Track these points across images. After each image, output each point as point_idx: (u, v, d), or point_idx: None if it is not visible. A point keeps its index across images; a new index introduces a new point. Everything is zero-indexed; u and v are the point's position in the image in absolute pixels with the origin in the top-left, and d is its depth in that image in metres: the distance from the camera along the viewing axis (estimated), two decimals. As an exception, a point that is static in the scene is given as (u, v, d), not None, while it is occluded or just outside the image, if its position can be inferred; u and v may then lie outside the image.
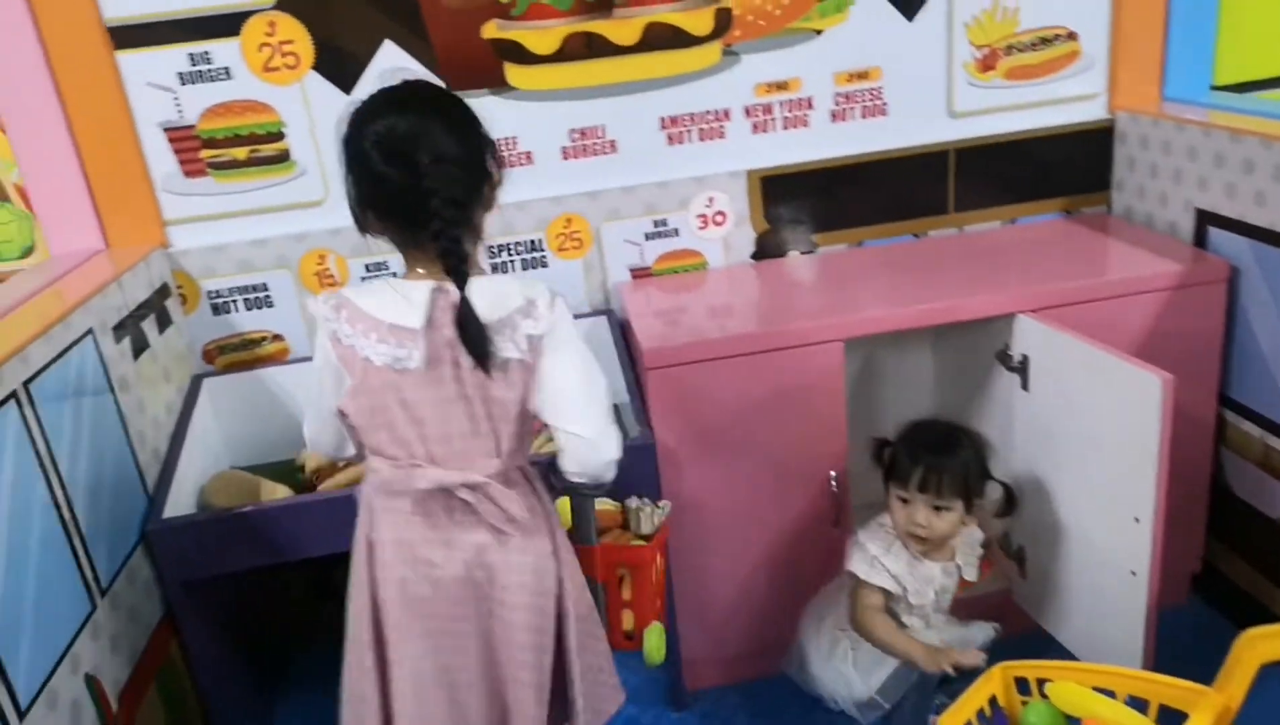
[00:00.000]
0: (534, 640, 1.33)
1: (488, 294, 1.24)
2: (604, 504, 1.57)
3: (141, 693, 1.60)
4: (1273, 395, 1.85)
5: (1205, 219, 1.95)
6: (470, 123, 1.25)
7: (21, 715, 1.28)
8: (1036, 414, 1.85)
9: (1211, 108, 2.05)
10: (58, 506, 1.44)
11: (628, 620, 1.53)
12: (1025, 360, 1.84)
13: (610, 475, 1.35)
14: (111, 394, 1.68)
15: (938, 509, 1.68)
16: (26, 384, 1.41)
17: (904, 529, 1.71)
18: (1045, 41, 2.15)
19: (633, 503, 1.57)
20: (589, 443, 1.31)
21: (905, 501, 1.69)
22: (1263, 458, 1.90)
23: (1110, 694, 1.46)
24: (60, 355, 1.52)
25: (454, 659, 1.33)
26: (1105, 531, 1.71)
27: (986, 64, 2.15)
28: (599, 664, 1.43)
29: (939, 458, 1.68)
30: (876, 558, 1.70)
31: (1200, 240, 1.98)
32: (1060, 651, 1.85)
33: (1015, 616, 1.93)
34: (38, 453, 1.40)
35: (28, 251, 2.01)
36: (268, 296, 2.08)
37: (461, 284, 1.21)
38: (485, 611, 1.33)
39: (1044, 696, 1.51)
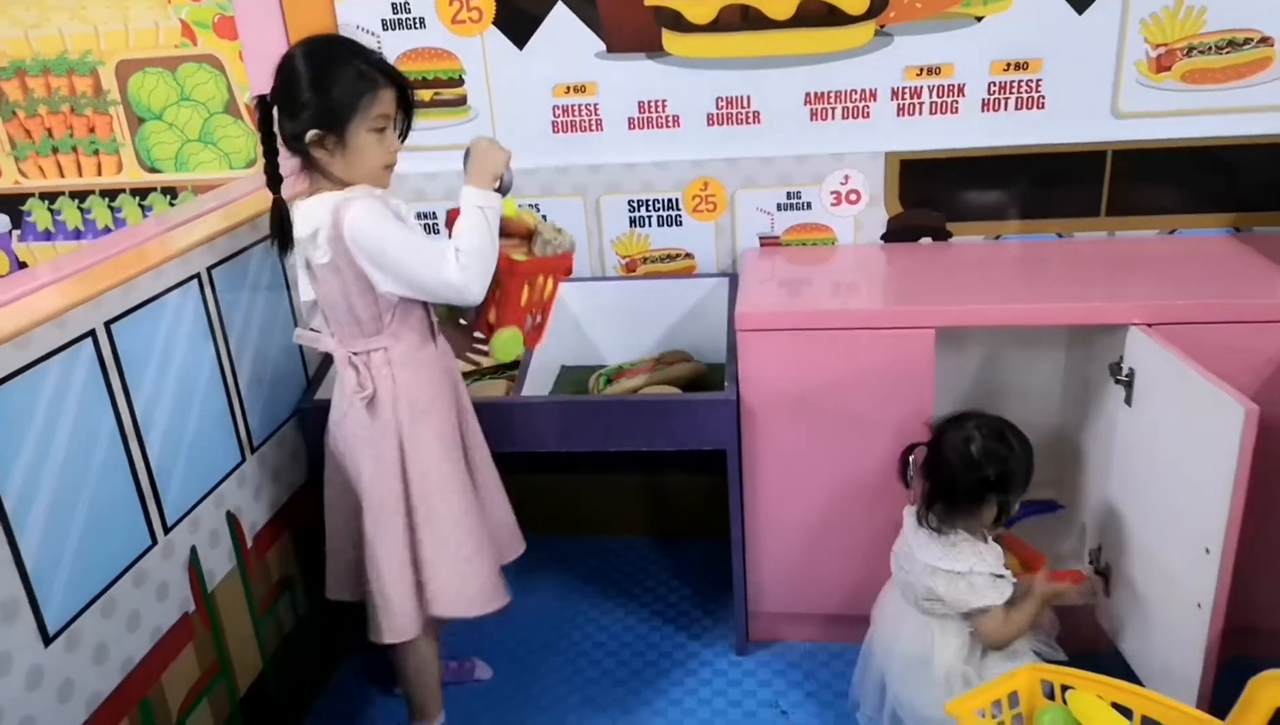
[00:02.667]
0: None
1: (300, 210, 1.58)
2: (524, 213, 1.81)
3: (275, 538, 1.93)
4: None
5: (1378, 252, 1.79)
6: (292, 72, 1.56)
7: (167, 529, 1.61)
8: (1136, 431, 1.79)
9: None
10: (223, 371, 1.77)
11: (493, 315, 1.73)
12: (1131, 374, 1.78)
13: (462, 293, 1.59)
14: (286, 290, 2.00)
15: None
16: (210, 269, 1.73)
17: (994, 532, 1.71)
18: (1234, 45, 2.01)
19: (542, 225, 1.78)
20: (441, 288, 1.58)
21: (1007, 510, 1.69)
22: (1396, 518, 1.74)
23: (1128, 713, 1.45)
24: (244, 250, 1.84)
25: None
26: (1178, 559, 1.65)
27: (1162, 64, 2.04)
28: None
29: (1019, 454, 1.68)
30: (996, 574, 1.67)
31: (1370, 274, 1.81)
32: (1128, 673, 1.81)
33: (1097, 633, 1.89)
34: (211, 325, 1.73)
35: (250, 163, 2.39)
36: (435, 224, 2.35)
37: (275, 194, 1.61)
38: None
39: (1064, 703, 1.52)
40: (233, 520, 1.79)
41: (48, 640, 1.35)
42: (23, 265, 2.52)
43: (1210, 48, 2.02)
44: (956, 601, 1.65)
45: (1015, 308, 1.86)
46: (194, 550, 1.68)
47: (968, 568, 1.65)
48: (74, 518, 1.41)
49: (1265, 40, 2.00)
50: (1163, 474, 1.69)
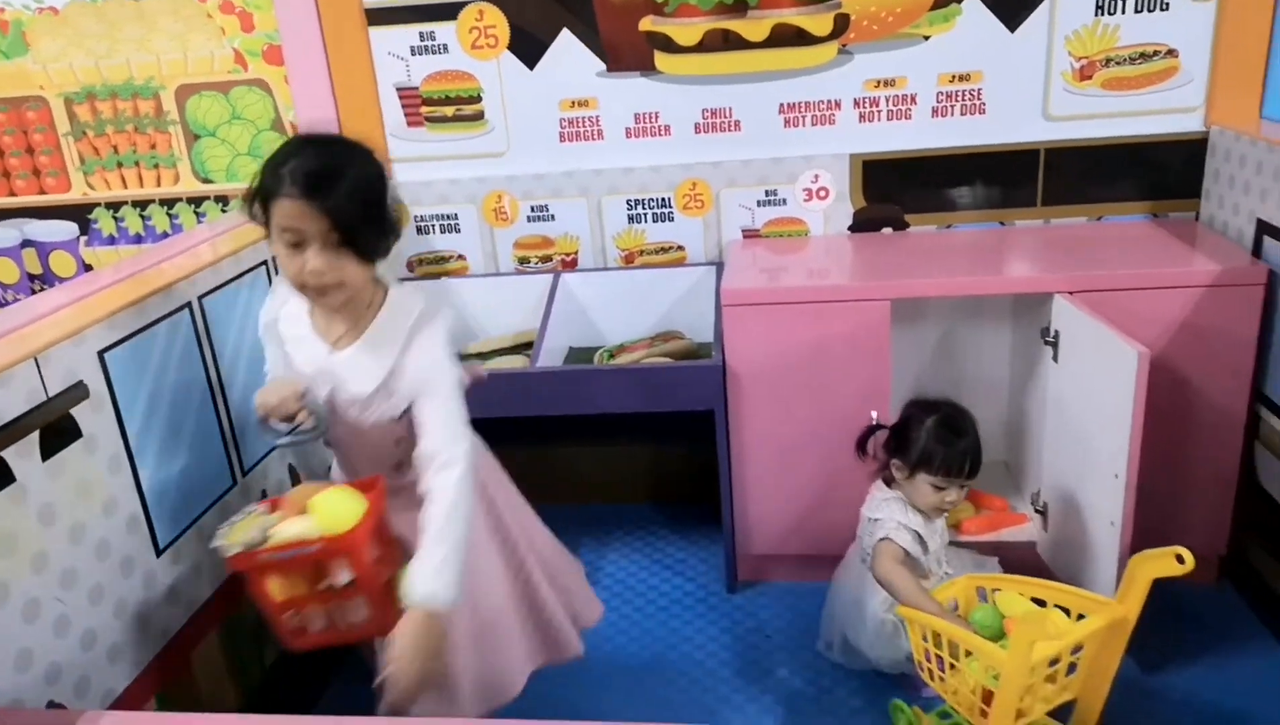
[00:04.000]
0: None
1: None
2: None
3: (327, 491, 2.23)
4: (1293, 393, 2.01)
5: (1263, 228, 2.11)
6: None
7: (245, 473, 1.92)
8: (1062, 384, 2.11)
9: None
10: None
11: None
12: (1057, 335, 2.10)
13: None
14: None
15: (963, 487, 1.97)
16: (275, 258, 2.05)
17: (934, 507, 1.96)
18: (1145, 56, 2.34)
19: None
20: None
21: (940, 488, 1.93)
22: (1278, 446, 2.05)
23: (1042, 603, 1.75)
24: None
25: None
26: (1095, 487, 1.96)
27: (1084, 74, 2.37)
28: None
29: (970, 445, 1.93)
30: (901, 523, 1.95)
31: (1257, 248, 2.13)
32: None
33: (1041, 567, 2.19)
34: (276, 304, 2.04)
35: (294, 173, 2.71)
36: (457, 224, 2.67)
37: None
38: None
39: (994, 604, 1.82)
40: (293, 472, 2.09)
41: (159, 552, 1.66)
42: (88, 267, 2.83)
43: (1125, 59, 2.35)
44: (872, 538, 1.95)
45: (958, 281, 2.18)
46: (264, 493, 1.98)
47: (883, 515, 1.95)
48: (177, 456, 1.72)
49: (1171, 52, 2.33)
50: (1082, 417, 2.01)
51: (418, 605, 1.36)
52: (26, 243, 2.85)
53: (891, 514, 1.96)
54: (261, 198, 1.41)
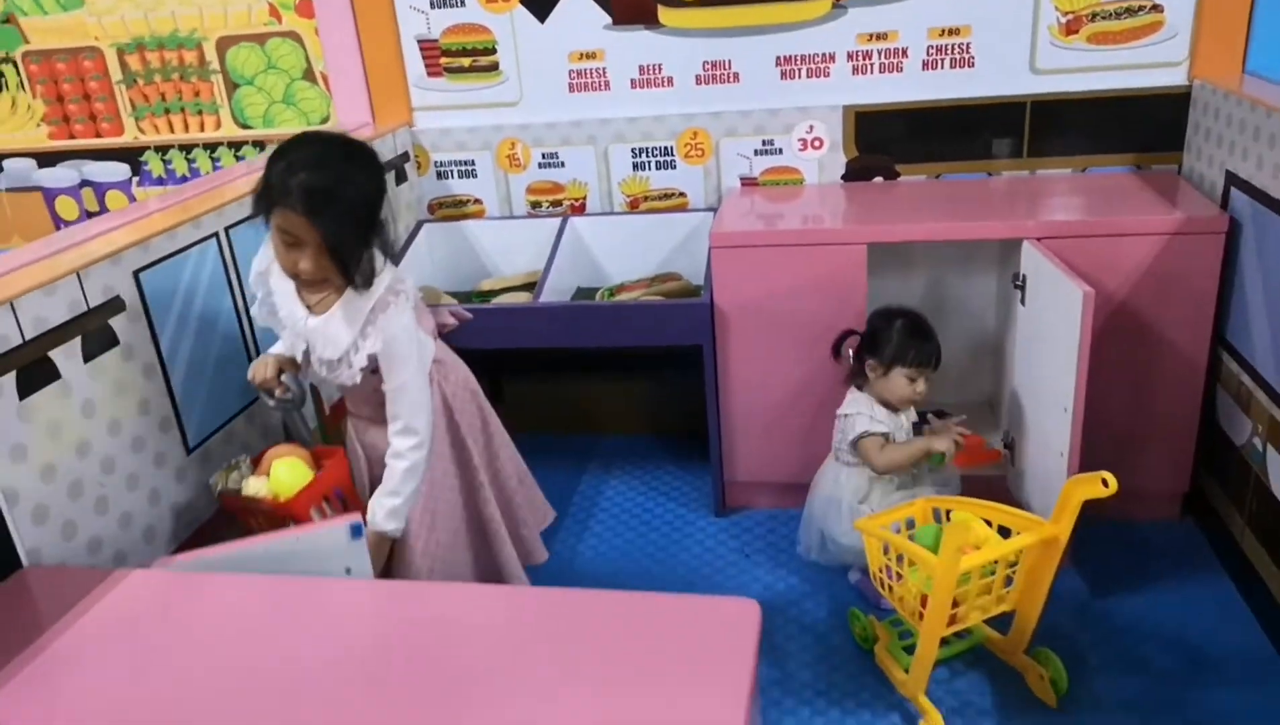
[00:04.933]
0: None
1: None
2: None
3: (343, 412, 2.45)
4: (1246, 335, 2.10)
5: (1231, 180, 2.19)
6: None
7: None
8: (1027, 325, 2.22)
9: None
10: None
11: None
12: (1024, 279, 2.21)
13: None
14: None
15: (929, 378, 2.14)
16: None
17: (906, 398, 2.14)
18: (1130, 11, 2.41)
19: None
20: None
21: (912, 379, 2.13)
22: (1237, 391, 2.15)
23: (988, 522, 1.89)
24: (322, 182, 2.35)
25: None
26: (1048, 421, 2.09)
27: (1070, 28, 2.45)
28: None
29: (933, 342, 2.12)
30: (872, 417, 2.16)
31: (1226, 200, 2.21)
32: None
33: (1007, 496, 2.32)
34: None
35: (324, 120, 2.91)
36: (474, 170, 2.85)
37: None
38: None
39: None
40: (314, 390, 2.30)
41: (189, 450, 1.88)
42: (140, 207, 3.07)
43: (1111, 14, 2.42)
44: (844, 436, 2.14)
45: (930, 226, 2.30)
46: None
47: (856, 411, 2.13)
48: (206, 368, 1.94)
49: (1156, 7, 2.40)
50: (1041, 356, 2.13)
51: (375, 531, 1.74)
52: (85, 183, 3.09)
53: (860, 409, 2.13)
54: (266, 196, 1.60)
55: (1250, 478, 2.09)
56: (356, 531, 1.58)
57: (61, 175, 3.09)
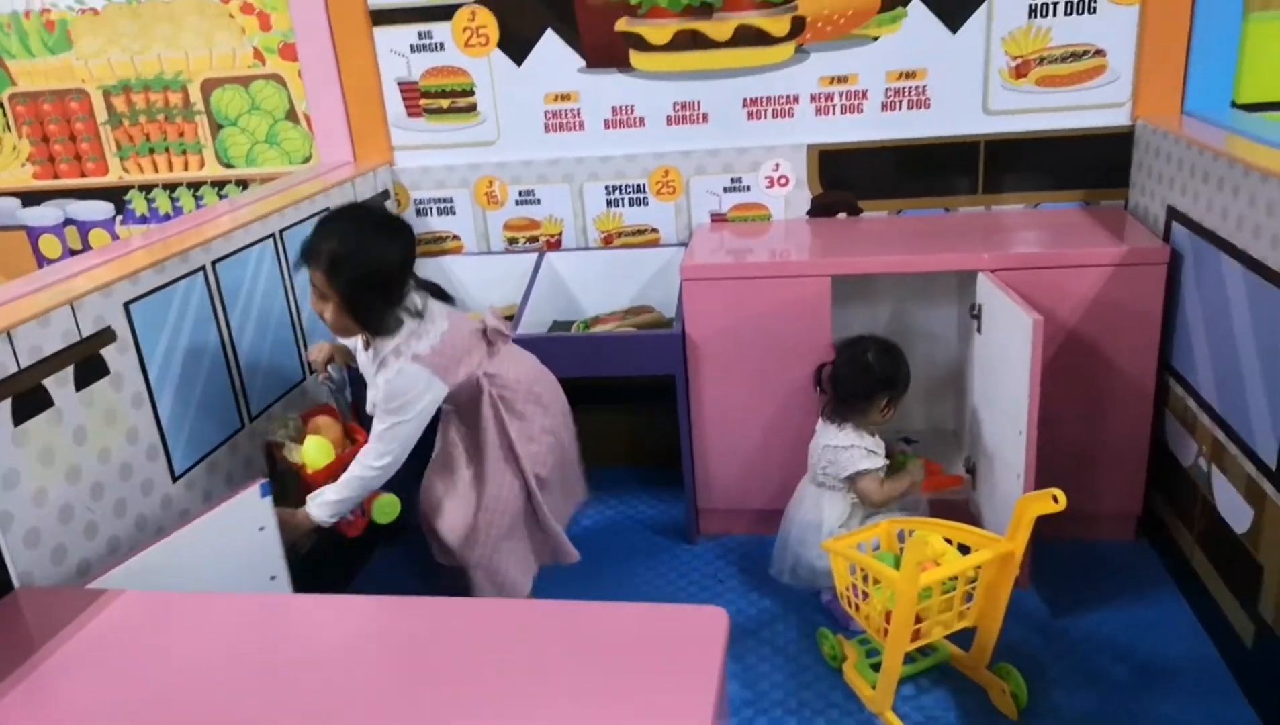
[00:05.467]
0: None
1: None
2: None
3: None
4: (1190, 361, 2.21)
5: (1172, 214, 2.31)
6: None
7: (252, 418, 2.19)
8: (984, 353, 2.33)
9: (1229, 130, 2.30)
10: (290, 310, 2.35)
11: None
12: (980, 309, 2.32)
13: None
14: (336, 252, 2.58)
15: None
16: (282, 232, 2.32)
17: (881, 422, 2.22)
18: (1075, 56, 2.55)
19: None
20: None
21: (889, 405, 2.21)
22: (1183, 414, 2.26)
23: (949, 541, 1.98)
24: (313, 215, 2.43)
25: None
26: (1006, 444, 2.18)
27: (1019, 72, 2.58)
28: None
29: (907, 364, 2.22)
30: (869, 450, 2.20)
31: (1167, 232, 2.34)
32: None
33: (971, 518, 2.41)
34: (282, 275, 2.32)
35: (306, 159, 2.99)
36: (452, 207, 2.93)
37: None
38: None
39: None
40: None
41: (175, 478, 1.94)
42: (123, 244, 3.13)
43: (1057, 58, 2.56)
44: (840, 468, 2.19)
45: (890, 259, 2.41)
46: (266, 446, 2.25)
47: (850, 443, 2.19)
48: (192, 398, 2.00)
49: (1100, 52, 2.54)
50: (997, 382, 2.23)
51: (304, 509, 1.95)
52: (68, 221, 3.15)
53: (853, 442, 2.18)
54: (303, 256, 1.87)
55: (1198, 497, 2.19)
56: (264, 490, 1.78)
57: (45, 214, 3.15)
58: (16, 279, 1.88)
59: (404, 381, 1.89)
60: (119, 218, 3.13)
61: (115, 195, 3.11)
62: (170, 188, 3.07)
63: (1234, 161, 1.98)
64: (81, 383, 1.70)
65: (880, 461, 2.20)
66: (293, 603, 1.49)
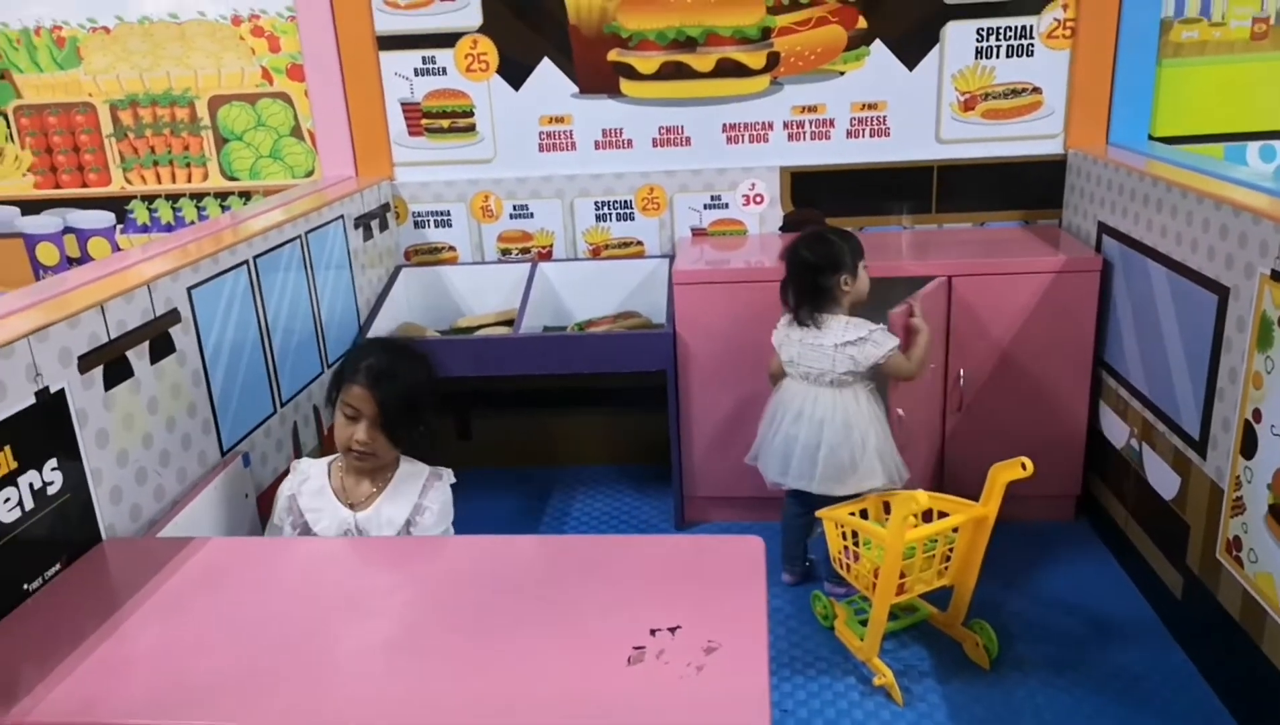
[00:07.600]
0: None
1: None
2: None
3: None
4: (1121, 355, 2.54)
5: (1102, 229, 2.66)
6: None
7: (283, 403, 2.34)
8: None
9: (1149, 156, 2.66)
10: (313, 307, 2.52)
11: None
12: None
13: None
14: (349, 261, 2.76)
15: None
16: (306, 234, 2.50)
17: (861, 299, 2.38)
18: (1015, 92, 2.90)
19: None
20: None
21: (853, 279, 2.34)
22: (1115, 403, 2.58)
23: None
24: (325, 224, 2.61)
25: None
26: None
27: (967, 105, 2.92)
28: None
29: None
30: (879, 330, 2.30)
31: (1099, 245, 2.68)
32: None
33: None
34: (307, 274, 2.49)
35: (309, 173, 3.16)
36: (449, 220, 3.13)
37: None
38: None
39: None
40: (316, 411, 2.52)
41: (223, 453, 2.08)
42: (120, 253, 3.24)
43: (1000, 94, 2.91)
44: (867, 357, 2.28)
45: (861, 265, 2.69)
46: (295, 424, 2.41)
47: (866, 332, 2.30)
48: (236, 380, 2.15)
49: (1037, 90, 2.90)
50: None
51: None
52: (67, 230, 3.25)
53: (864, 328, 2.30)
54: (338, 378, 1.89)
55: (1130, 473, 2.50)
56: (245, 461, 1.94)
57: (44, 222, 3.24)
58: (89, 264, 2.02)
59: (444, 508, 1.94)
60: (120, 227, 3.24)
61: (117, 205, 3.22)
62: (173, 198, 3.20)
63: (1158, 180, 2.32)
64: (155, 357, 1.85)
65: (894, 337, 2.33)
66: (362, 544, 1.67)
